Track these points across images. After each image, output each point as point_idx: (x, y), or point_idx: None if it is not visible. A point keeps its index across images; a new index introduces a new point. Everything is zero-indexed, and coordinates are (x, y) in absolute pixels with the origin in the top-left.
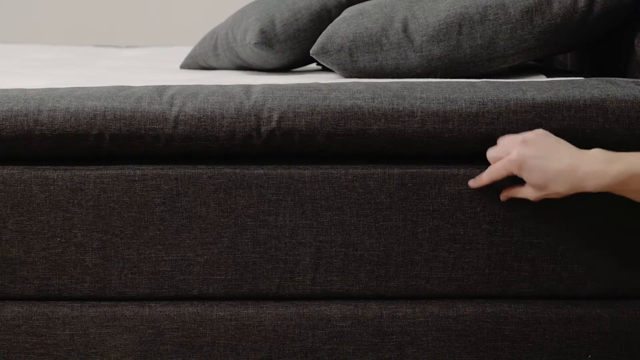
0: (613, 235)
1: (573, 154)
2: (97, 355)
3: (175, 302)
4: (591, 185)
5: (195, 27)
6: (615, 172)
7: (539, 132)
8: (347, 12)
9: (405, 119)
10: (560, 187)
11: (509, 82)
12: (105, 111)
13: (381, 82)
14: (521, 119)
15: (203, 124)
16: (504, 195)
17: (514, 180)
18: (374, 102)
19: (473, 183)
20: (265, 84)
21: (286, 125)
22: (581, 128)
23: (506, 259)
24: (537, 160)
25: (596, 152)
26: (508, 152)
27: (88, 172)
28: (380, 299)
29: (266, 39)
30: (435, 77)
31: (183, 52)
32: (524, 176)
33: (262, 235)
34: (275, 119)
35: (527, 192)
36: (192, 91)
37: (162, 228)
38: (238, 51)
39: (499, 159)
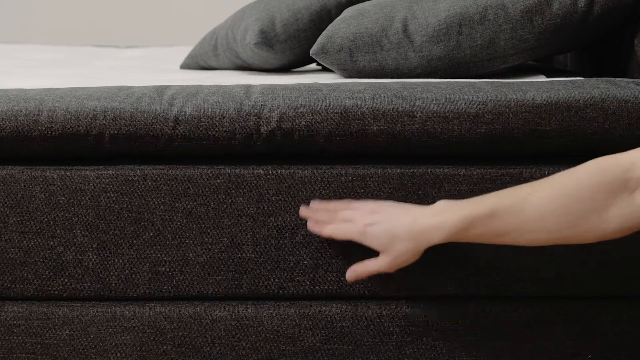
0: None
1: (415, 211)
2: (97, 355)
3: (175, 302)
4: (436, 237)
5: (195, 27)
6: (453, 221)
7: (384, 203)
8: (347, 12)
9: (405, 119)
10: (405, 245)
11: (509, 82)
12: (105, 111)
13: (381, 82)
14: (521, 119)
15: (203, 124)
16: (353, 273)
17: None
18: (374, 102)
19: (311, 227)
20: (265, 84)
21: (286, 125)
22: (581, 128)
23: (506, 259)
24: (379, 226)
25: (438, 203)
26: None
27: (88, 172)
28: (380, 299)
29: (266, 39)
30: (435, 77)
31: (183, 52)
32: (369, 243)
33: (262, 235)
34: (275, 119)
35: (379, 262)
36: (192, 91)
37: (162, 228)
38: (238, 51)
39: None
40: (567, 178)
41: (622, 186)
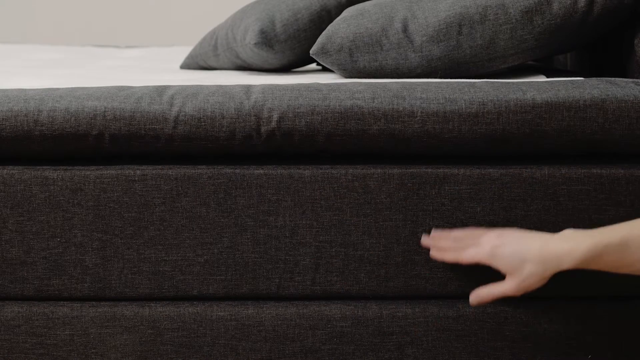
0: None
1: (543, 236)
2: (97, 355)
3: (175, 302)
4: (566, 262)
5: (195, 27)
6: (586, 247)
7: (508, 228)
8: (347, 12)
9: (405, 119)
10: (534, 267)
11: (509, 82)
12: (105, 111)
13: (381, 82)
14: (521, 119)
15: (203, 124)
16: (477, 298)
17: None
18: (374, 102)
19: (435, 254)
20: (265, 84)
21: (286, 125)
22: (581, 128)
23: None
24: (508, 247)
25: (567, 231)
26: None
27: (88, 172)
28: (380, 299)
29: (266, 39)
30: (435, 77)
31: (183, 52)
32: (497, 264)
33: (262, 235)
34: (275, 119)
35: (505, 285)
36: (192, 91)
37: (162, 228)
38: (238, 51)
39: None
40: None
41: None
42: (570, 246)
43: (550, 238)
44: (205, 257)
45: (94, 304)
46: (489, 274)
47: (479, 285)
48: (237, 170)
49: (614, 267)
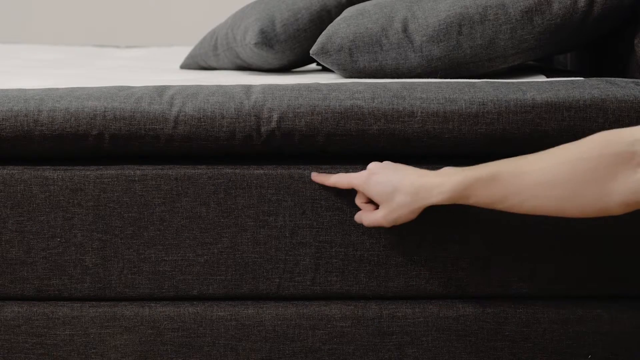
0: (613, 235)
1: (421, 170)
2: (97, 355)
3: (175, 302)
4: (435, 195)
5: (195, 27)
6: (457, 179)
7: (388, 162)
8: (347, 12)
9: (405, 119)
10: (404, 198)
11: (509, 82)
12: (105, 111)
13: (381, 82)
14: (521, 119)
15: (203, 124)
16: (357, 217)
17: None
18: (374, 102)
19: (316, 177)
20: (265, 84)
21: (286, 125)
22: (581, 128)
23: (506, 259)
24: (382, 176)
25: (445, 168)
26: None
27: (88, 172)
28: (380, 299)
29: (266, 39)
30: (435, 77)
31: (183, 52)
32: (370, 191)
33: (262, 235)
34: (275, 119)
35: (375, 214)
36: (192, 91)
37: (162, 228)
38: (238, 51)
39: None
40: (571, 147)
41: (627, 160)
42: (441, 179)
43: (426, 173)
44: (205, 257)
45: (94, 304)
46: (489, 274)
47: (480, 286)
48: (237, 170)
49: (487, 203)
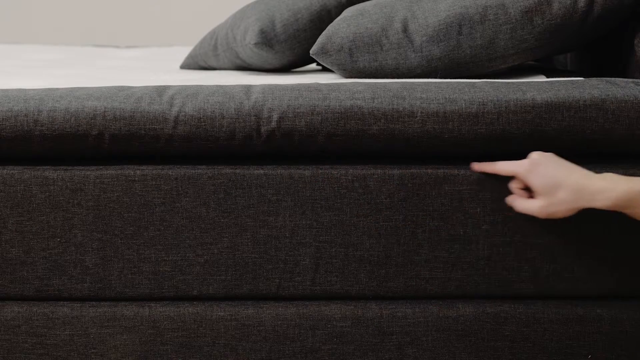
0: (613, 235)
1: (585, 170)
2: (97, 355)
3: (175, 302)
4: (599, 200)
5: (195, 27)
6: (623, 189)
7: (551, 154)
8: (347, 12)
9: (405, 119)
10: (567, 195)
11: (509, 83)
12: (105, 111)
13: (381, 82)
14: (521, 119)
15: (203, 124)
16: (510, 200)
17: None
18: (374, 102)
19: (477, 166)
20: (265, 84)
21: (286, 125)
22: (581, 128)
23: (506, 259)
24: (549, 168)
25: (607, 173)
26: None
27: (88, 172)
28: (380, 299)
29: (266, 39)
30: (435, 77)
31: (183, 52)
32: (532, 181)
33: (262, 235)
34: (275, 119)
35: (532, 203)
36: (192, 91)
37: (162, 228)
38: (238, 51)
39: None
40: None
41: None
42: (607, 185)
43: (590, 174)
44: (205, 257)
45: (94, 304)
46: (489, 274)
47: (479, 286)
48: (237, 170)
49: None
